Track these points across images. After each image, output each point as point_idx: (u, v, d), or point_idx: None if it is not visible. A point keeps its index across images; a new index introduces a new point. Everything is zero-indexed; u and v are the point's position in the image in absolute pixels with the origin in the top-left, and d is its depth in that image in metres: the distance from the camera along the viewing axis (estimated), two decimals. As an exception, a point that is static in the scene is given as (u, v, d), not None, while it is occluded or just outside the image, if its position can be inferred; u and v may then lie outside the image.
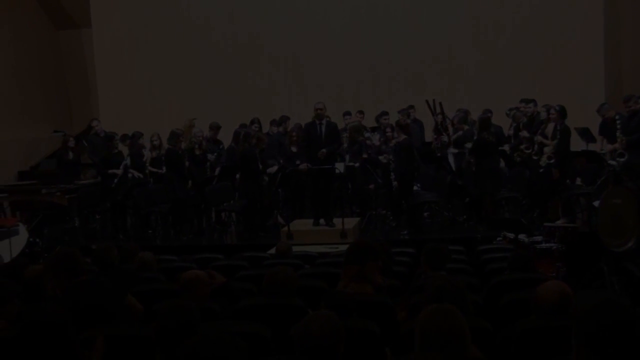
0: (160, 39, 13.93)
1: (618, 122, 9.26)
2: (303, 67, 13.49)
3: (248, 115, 11.56)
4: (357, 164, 10.40)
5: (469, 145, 9.85)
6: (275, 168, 10.40)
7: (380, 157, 10.31)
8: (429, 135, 11.36)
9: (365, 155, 10.45)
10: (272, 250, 7.73)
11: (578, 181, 10.17)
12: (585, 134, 10.38)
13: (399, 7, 13.38)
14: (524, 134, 10.09)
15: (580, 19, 12.83)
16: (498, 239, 7.76)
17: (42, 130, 13.47)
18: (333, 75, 13.27)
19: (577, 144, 10.15)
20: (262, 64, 13.65)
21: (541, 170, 9.48)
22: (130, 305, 4.50)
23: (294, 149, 10.44)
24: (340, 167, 9.79)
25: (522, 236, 7.34)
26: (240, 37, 13.77)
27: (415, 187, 9.99)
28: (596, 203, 7.75)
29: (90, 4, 14.09)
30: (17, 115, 12.91)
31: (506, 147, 10.44)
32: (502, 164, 10.21)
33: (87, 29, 14.36)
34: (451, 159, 10.37)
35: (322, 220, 9.50)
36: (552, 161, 9.17)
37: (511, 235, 7.43)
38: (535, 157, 9.73)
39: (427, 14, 13.33)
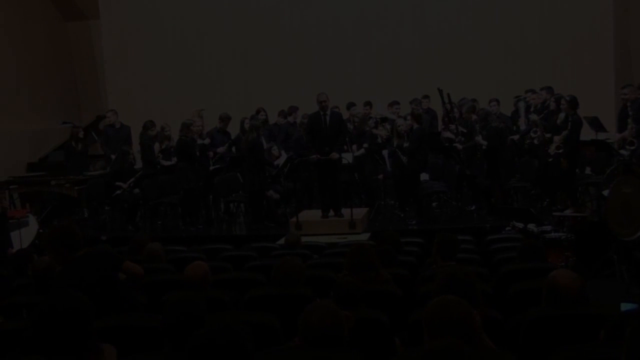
0: (168, 30, 13.92)
1: (630, 113, 9.19)
2: (312, 57, 13.45)
3: (256, 105, 11.56)
4: (362, 152, 10.38)
5: (479, 138, 9.78)
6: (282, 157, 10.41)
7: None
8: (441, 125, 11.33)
9: (366, 145, 10.42)
10: (281, 241, 7.75)
11: (587, 170, 10.13)
12: (595, 123, 10.33)
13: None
14: (534, 116, 10.05)
15: (589, 6, 12.73)
16: (507, 228, 7.74)
17: (50, 121, 13.52)
18: (342, 65, 13.24)
19: (586, 133, 10.11)
20: (271, 53, 13.61)
21: (550, 159, 9.44)
22: (127, 270, 4.46)
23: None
24: (347, 157, 9.78)
25: (531, 226, 7.32)
26: (249, 26, 13.74)
27: (424, 177, 9.99)
28: (606, 192, 7.71)
29: (98, -5, 14.11)
30: (25, 106, 12.95)
31: (514, 137, 10.42)
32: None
33: (96, 21, 14.38)
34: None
35: (331, 211, 9.48)
36: (560, 151, 9.12)
37: (520, 225, 7.41)
38: (536, 143, 9.70)
39: (436, 2, 13.27)
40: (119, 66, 14.11)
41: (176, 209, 10.56)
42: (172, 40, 13.88)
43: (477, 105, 10.70)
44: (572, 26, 12.71)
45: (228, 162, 10.73)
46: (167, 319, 3.06)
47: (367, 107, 11.41)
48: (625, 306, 3.80)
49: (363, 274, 4.39)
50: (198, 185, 10.12)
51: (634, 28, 12.63)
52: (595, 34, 12.68)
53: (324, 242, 7.56)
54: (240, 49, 13.74)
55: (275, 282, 4.39)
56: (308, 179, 10.51)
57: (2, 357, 3.70)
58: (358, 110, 11.19)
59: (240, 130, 10.76)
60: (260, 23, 13.71)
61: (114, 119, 11.69)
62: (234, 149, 10.95)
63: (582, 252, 7.02)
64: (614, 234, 7.06)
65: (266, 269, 5.11)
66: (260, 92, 13.04)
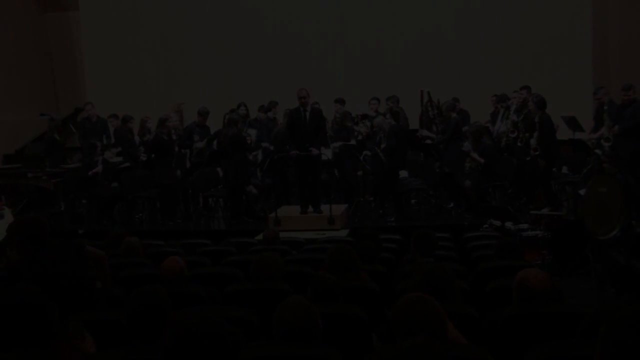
0: (149, 22, 13.82)
1: (606, 108, 9.29)
2: (293, 52, 13.43)
3: (237, 100, 11.52)
4: (340, 144, 10.39)
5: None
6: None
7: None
8: (414, 124, 11.35)
9: (353, 142, 10.45)
10: (260, 236, 7.73)
11: (564, 170, 10.23)
12: (572, 122, 10.43)
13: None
14: (513, 117, 10.12)
15: (568, 7, 12.85)
16: (484, 226, 7.80)
17: (28, 113, 13.36)
18: (323, 60, 13.24)
19: (564, 133, 10.22)
20: (253, 48, 13.57)
21: (528, 158, 9.52)
22: (91, 255, 4.45)
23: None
24: (327, 153, 9.78)
25: (508, 224, 7.38)
26: (231, 21, 13.69)
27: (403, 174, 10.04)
28: (582, 191, 7.79)
29: (77, -14, 13.96)
30: (2, 98, 12.80)
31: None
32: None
33: (75, 12, 14.23)
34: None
35: (310, 207, 9.49)
36: (537, 153, 9.18)
37: (498, 223, 7.47)
38: (520, 144, 9.78)
39: (416, 3, 13.30)
40: (98, 58, 13.99)
41: (154, 203, 10.50)
42: (152, 33, 13.78)
43: (458, 105, 10.78)
44: (551, 26, 12.81)
45: (207, 157, 10.68)
46: (128, 312, 3.05)
47: (338, 103, 11.27)
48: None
49: (343, 274, 4.40)
50: (174, 181, 10.06)
51: (611, 29, 12.76)
52: (573, 35, 12.79)
53: (303, 238, 7.56)
54: (221, 42, 13.68)
55: (253, 277, 4.39)
56: (287, 175, 10.50)
57: None
58: (341, 107, 11.18)
59: (223, 125, 10.74)
60: (241, 17, 13.65)
61: (92, 112, 11.61)
62: (215, 143, 10.90)
63: (558, 251, 7.10)
64: (589, 232, 7.14)
65: (244, 264, 5.10)
66: (241, 87, 12.99)
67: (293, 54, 13.42)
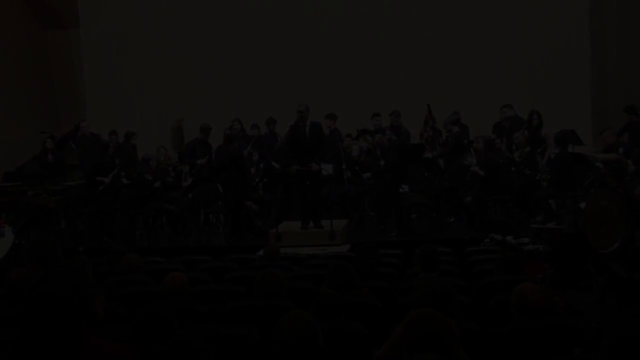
0: (149, 39, 13.86)
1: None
2: (293, 68, 13.46)
3: (237, 116, 11.55)
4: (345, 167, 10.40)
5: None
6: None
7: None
8: (415, 138, 11.37)
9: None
10: (261, 252, 7.72)
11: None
12: (571, 136, 10.44)
13: (389, 9, 13.39)
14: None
15: (566, 19, 12.90)
16: (486, 240, 7.79)
17: (28, 131, 13.39)
18: (323, 75, 13.26)
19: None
20: (252, 64, 13.61)
21: (528, 172, 9.53)
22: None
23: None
24: (328, 168, 9.78)
25: (509, 238, 7.38)
26: (230, 37, 13.74)
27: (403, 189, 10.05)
28: (582, 205, 7.79)
29: (78, 4, 13.99)
30: (3, 115, 12.83)
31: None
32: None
33: (75, 30, 14.29)
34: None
35: (310, 223, 9.47)
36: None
37: (499, 237, 7.46)
38: (519, 159, 9.81)
39: (417, 16, 13.35)
40: (98, 75, 14.01)
41: (155, 220, 10.50)
42: (152, 50, 13.81)
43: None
44: (549, 39, 12.85)
45: (207, 173, 10.70)
46: (135, 329, 3.07)
47: (330, 119, 11.31)
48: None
49: (344, 291, 4.40)
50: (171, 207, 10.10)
51: (609, 42, 12.82)
52: (572, 47, 12.83)
53: (304, 254, 7.55)
54: (222, 58, 13.71)
55: (257, 293, 4.38)
56: (288, 190, 10.50)
57: None
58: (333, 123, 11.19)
59: (223, 141, 10.77)
60: (241, 33, 13.69)
61: (86, 130, 11.62)
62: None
63: (560, 264, 7.09)
64: (590, 246, 7.13)
65: (246, 280, 5.10)
66: (242, 103, 13.01)
67: (293, 70, 13.44)
